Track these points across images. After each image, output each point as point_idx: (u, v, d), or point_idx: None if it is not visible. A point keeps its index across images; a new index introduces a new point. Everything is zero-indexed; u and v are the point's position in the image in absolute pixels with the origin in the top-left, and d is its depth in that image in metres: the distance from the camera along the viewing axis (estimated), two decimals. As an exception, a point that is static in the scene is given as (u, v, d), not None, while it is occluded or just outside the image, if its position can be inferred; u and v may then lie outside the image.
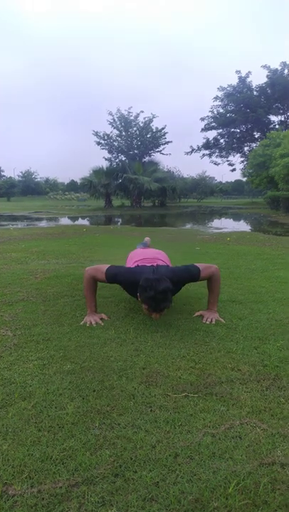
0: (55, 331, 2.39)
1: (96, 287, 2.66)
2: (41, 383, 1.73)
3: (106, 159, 37.67)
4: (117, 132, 38.71)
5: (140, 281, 2.31)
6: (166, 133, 39.04)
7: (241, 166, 40.12)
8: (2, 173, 61.57)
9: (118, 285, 2.69)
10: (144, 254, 2.97)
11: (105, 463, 1.22)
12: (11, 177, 57.10)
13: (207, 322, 2.53)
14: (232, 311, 2.79)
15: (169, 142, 39.71)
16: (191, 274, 2.55)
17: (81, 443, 1.31)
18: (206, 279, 2.62)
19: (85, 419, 1.46)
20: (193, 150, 43.39)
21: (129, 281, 2.52)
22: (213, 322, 2.53)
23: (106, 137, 38.73)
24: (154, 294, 2.22)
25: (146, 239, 4.47)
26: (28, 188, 55.94)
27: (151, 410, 1.52)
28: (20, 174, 58.71)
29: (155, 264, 2.64)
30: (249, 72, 38.18)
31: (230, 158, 43.48)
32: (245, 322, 2.55)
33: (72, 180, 56.94)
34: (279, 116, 39.37)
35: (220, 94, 39.87)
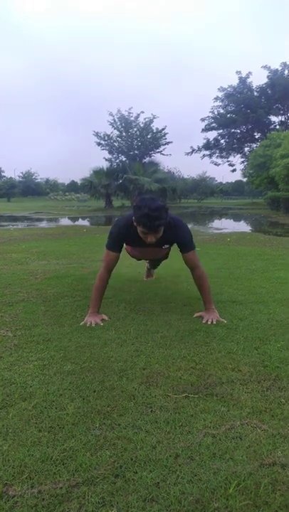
0: (56, 332, 2.39)
1: (105, 288, 2.67)
2: (41, 384, 1.73)
3: (106, 160, 37.79)
4: (118, 133, 38.81)
5: (136, 202, 2.39)
6: (167, 133, 39.21)
7: (242, 166, 40.25)
8: (2, 174, 61.66)
9: (120, 287, 2.69)
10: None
11: (106, 463, 1.22)
12: (11, 177, 57.11)
13: (208, 323, 2.53)
14: (232, 312, 2.79)
15: (169, 143, 39.83)
16: (187, 240, 2.62)
17: (81, 443, 1.31)
18: (190, 266, 2.66)
19: (85, 419, 1.46)
20: (193, 150, 43.45)
21: (126, 226, 2.55)
22: (214, 322, 2.53)
23: (106, 138, 38.82)
24: (147, 211, 2.27)
25: None
26: (29, 188, 55.93)
27: (151, 411, 1.52)
28: (21, 175, 58.70)
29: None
30: (249, 72, 38.25)
31: (231, 158, 43.59)
32: (246, 323, 2.55)
33: (73, 181, 56.95)
34: (279, 117, 39.47)
35: (220, 94, 39.97)
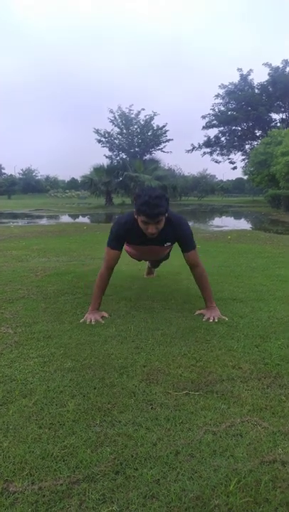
0: (56, 329, 2.39)
1: (106, 287, 2.66)
2: (42, 381, 1.73)
3: (107, 157, 37.72)
4: (118, 130, 38.70)
5: (136, 192, 2.42)
6: (167, 131, 39.06)
7: (242, 164, 40.11)
8: (3, 171, 61.60)
9: (120, 284, 2.69)
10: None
11: (106, 460, 1.22)
12: (11, 175, 57.16)
13: (210, 320, 2.52)
14: (233, 309, 2.78)
15: (169, 140, 39.77)
16: (188, 239, 2.62)
17: (82, 440, 1.31)
18: (191, 264, 2.66)
19: (85, 416, 1.46)
20: (194, 148, 43.38)
21: (126, 223, 2.55)
22: (216, 320, 2.53)
23: (107, 135, 38.73)
24: (148, 198, 2.29)
25: None
26: (29, 185, 55.87)
27: (152, 408, 1.52)
28: (21, 172, 58.69)
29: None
30: (251, 69, 38.19)
31: (232, 156, 43.56)
32: (246, 320, 2.55)
33: (73, 178, 56.85)
34: (280, 114, 39.34)
35: (221, 91, 39.87)
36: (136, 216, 2.43)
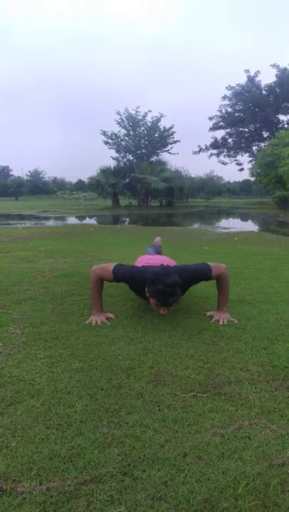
0: (63, 330, 2.39)
1: (102, 287, 2.66)
2: (49, 381, 1.74)
3: (114, 159, 37.65)
4: (125, 132, 38.70)
5: (149, 275, 2.29)
6: (174, 132, 38.93)
7: (249, 165, 39.97)
8: (10, 173, 61.98)
9: (125, 284, 2.68)
10: (152, 260, 2.91)
11: (113, 461, 1.21)
12: (19, 176, 57.41)
13: (220, 323, 2.51)
14: (240, 311, 2.77)
15: (176, 141, 39.58)
16: (201, 273, 2.54)
17: (89, 441, 1.31)
18: (215, 278, 2.61)
19: (93, 417, 1.46)
20: (201, 149, 43.32)
21: (137, 280, 2.51)
22: (225, 322, 2.51)
23: (114, 137, 38.75)
24: (162, 287, 2.19)
25: (157, 239, 4.21)
26: (36, 187, 56.09)
27: (159, 409, 1.52)
28: (29, 173, 58.94)
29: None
30: (258, 71, 37.97)
31: (239, 157, 43.35)
32: (254, 322, 2.54)
33: (80, 180, 56.98)
34: (288, 116, 39.13)
35: (228, 93, 39.73)
36: (147, 295, 2.35)
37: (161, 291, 2.20)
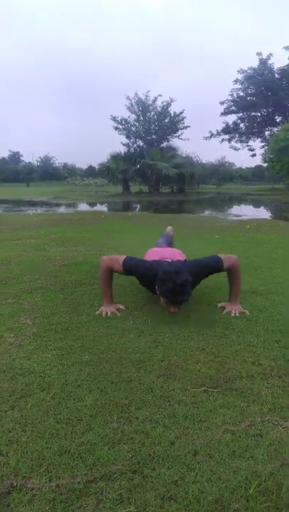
0: (74, 321, 2.39)
1: (112, 277, 2.63)
2: (60, 374, 1.73)
3: (124, 144, 37.25)
4: (135, 117, 38.22)
5: (159, 274, 2.26)
6: (185, 117, 38.29)
7: (262, 151, 39.14)
8: (21, 159, 62.00)
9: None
10: (163, 254, 2.87)
11: (123, 458, 1.21)
12: (30, 162, 57.51)
13: (232, 314, 2.48)
14: (252, 303, 2.73)
15: (187, 127, 38.93)
16: (213, 266, 2.50)
17: (99, 437, 1.31)
18: (228, 269, 2.57)
19: (103, 412, 1.45)
20: (212, 135, 42.69)
21: (146, 274, 2.48)
22: (237, 314, 2.48)
23: (124, 122, 38.30)
24: (172, 286, 2.17)
25: (169, 229, 4.06)
26: (47, 173, 56.12)
27: (169, 404, 1.50)
28: (39, 159, 58.93)
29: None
30: (270, 53, 37.03)
31: (251, 143, 42.70)
32: (266, 314, 2.50)
33: (91, 166, 56.81)
34: (302, 99, 38.15)
35: (240, 77, 38.94)
36: (157, 293, 2.33)
37: (171, 290, 2.18)
